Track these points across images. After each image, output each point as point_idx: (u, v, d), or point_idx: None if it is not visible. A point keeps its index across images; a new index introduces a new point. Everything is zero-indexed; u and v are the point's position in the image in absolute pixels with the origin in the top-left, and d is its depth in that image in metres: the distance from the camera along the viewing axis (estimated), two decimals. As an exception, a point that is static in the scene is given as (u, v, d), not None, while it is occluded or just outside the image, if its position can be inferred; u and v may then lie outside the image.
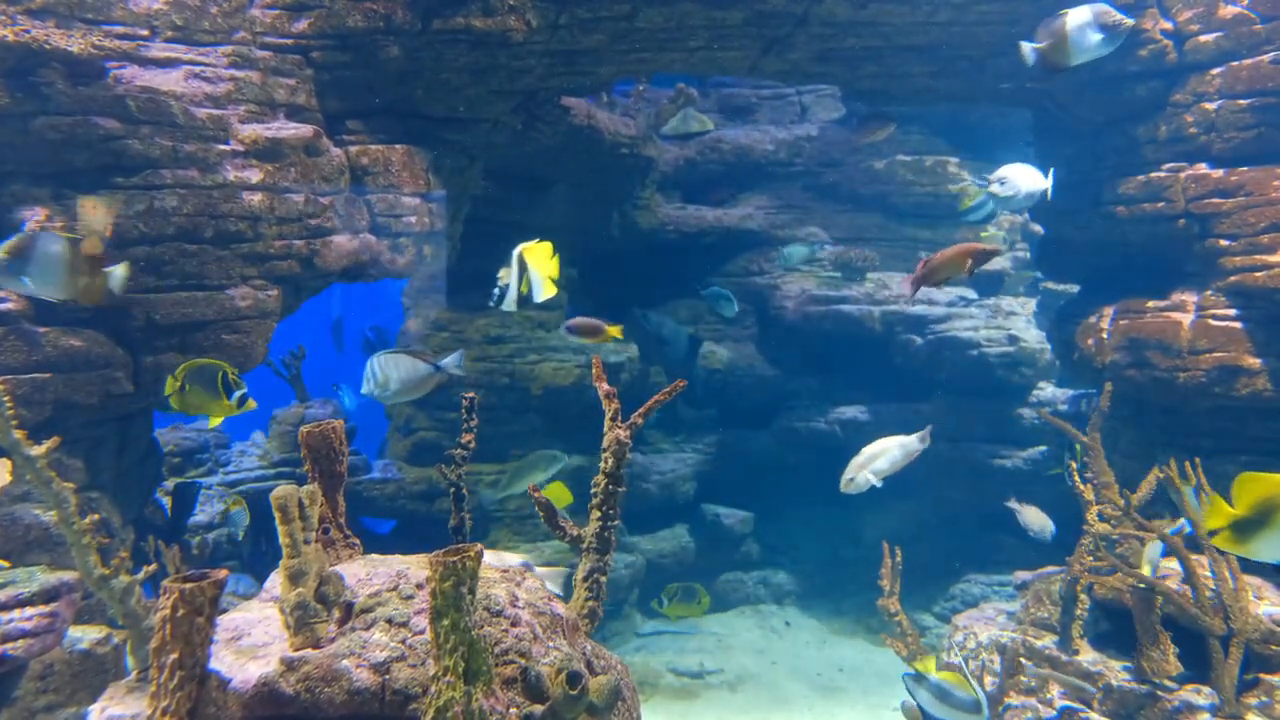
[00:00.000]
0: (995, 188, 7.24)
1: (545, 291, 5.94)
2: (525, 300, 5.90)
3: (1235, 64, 7.20)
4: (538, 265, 5.81)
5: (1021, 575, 8.22)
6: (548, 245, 5.85)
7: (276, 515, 3.22)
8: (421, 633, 3.18)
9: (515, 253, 5.79)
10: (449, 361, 6.79)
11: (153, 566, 4.90)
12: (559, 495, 9.00)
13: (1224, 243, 7.26)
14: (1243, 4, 7.16)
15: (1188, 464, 6.07)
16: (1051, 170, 7.66)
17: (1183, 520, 6.19)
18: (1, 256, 5.31)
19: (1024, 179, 7.22)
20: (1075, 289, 9.90)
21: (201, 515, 9.10)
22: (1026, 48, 6.40)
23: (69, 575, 5.50)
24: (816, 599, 12.24)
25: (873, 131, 10.26)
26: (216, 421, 6.32)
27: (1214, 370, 7.18)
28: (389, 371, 6.63)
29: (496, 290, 5.97)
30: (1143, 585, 5.99)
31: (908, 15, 7.45)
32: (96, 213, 6.07)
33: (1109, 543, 6.49)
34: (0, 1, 5.97)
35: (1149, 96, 7.71)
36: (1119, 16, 6.25)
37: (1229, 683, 5.64)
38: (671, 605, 10.74)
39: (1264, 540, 4.32)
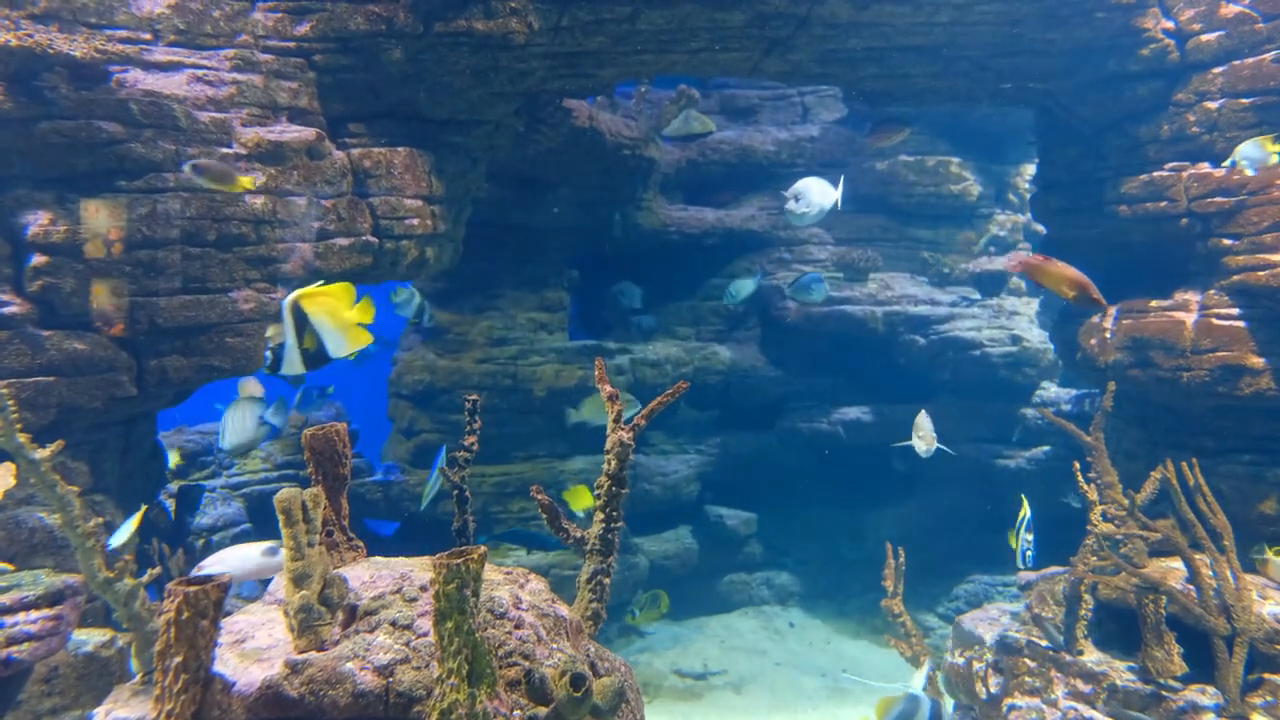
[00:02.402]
0: (791, 204, 7.24)
1: (352, 343, 4.83)
2: (318, 358, 4.77)
3: (1237, 63, 7.20)
4: (328, 315, 4.70)
5: (1025, 575, 8.20)
6: (342, 288, 4.76)
7: (280, 518, 3.22)
8: (425, 635, 3.18)
9: (285, 303, 4.65)
10: (271, 412, 7.55)
11: (157, 569, 4.92)
12: (582, 497, 8.94)
13: (1227, 242, 7.25)
14: (1244, 3, 7.16)
15: (1184, 465, 6.07)
16: (842, 178, 7.66)
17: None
18: None
19: (818, 194, 7.24)
20: (1078, 289, 9.89)
21: (205, 518, 9.11)
22: None
23: (73, 578, 5.51)
24: (820, 600, 12.23)
25: (887, 136, 10.22)
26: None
27: (1217, 369, 7.17)
28: (226, 422, 7.38)
29: (269, 353, 4.85)
30: (1146, 585, 5.98)
31: (909, 16, 7.44)
32: (99, 216, 6.08)
33: (1113, 543, 6.48)
34: (3, 6, 5.99)
35: (1151, 96, 7.71)
36: None
37: (1234, 683, 5.63)
38: (644, 613, 10.70)
39: None
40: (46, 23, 6.14)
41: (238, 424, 7.50)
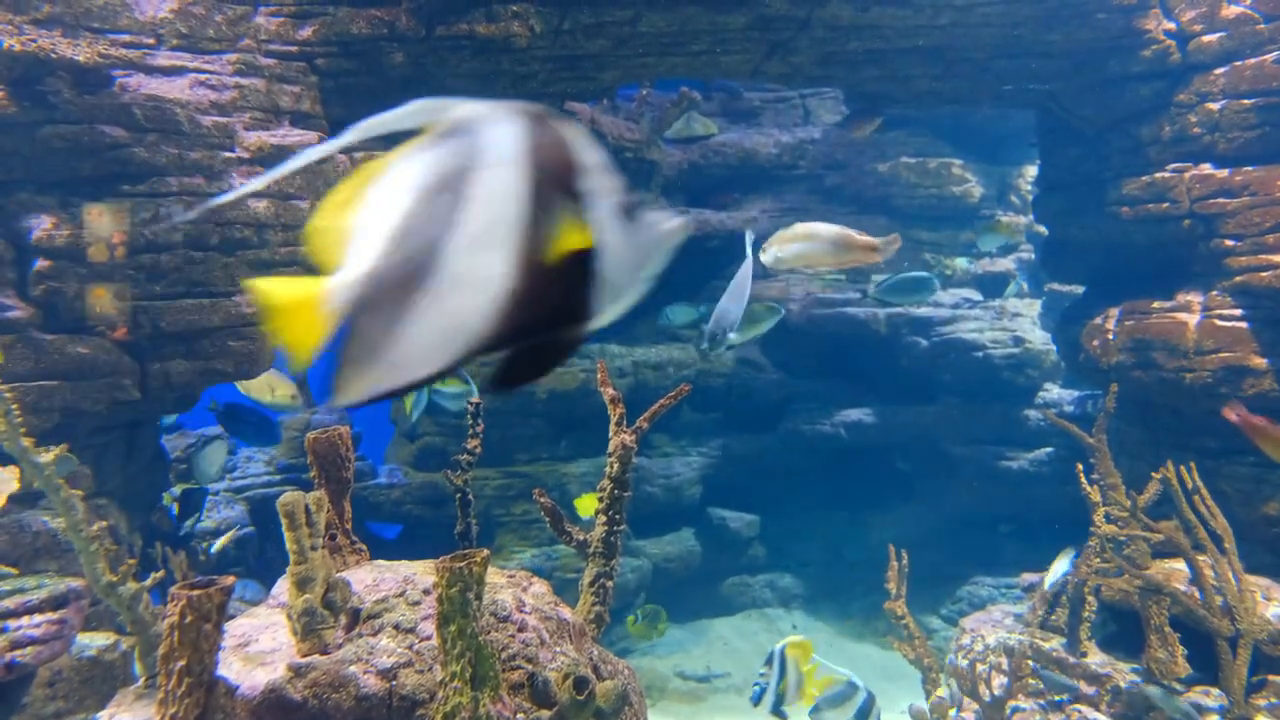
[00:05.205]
0: (733, 336, 7.27)
1: None
2: None
3: (1239, 64, 7.20)
4: None
5: (1029, 577, 8.20)
6: None
7: (283, 521, 3.23)
8: (428, 638, 3.18)
9: None
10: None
11: (160, 573, 4.92)
12: (591, 504, 8.89)
13: (1229, 243, 7.24)
14: (1245, 4, 7.16)
15: (1182, 469, 6.06)
16: (748, 232, 7.75)
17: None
18: None
19: (734, 309, 7.20)
20: (1080, 290, 9.89)
21: (208, 522, 9.12)
22: None
23: (77, 582, 5.52)
24: (823, 602, 12.21)
25: (860, 125, 10.24)
26: None
27: (1220, 371, 7.16)
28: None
29: None
30: (1150, 587, 5.98)
31: (910, 18, 7.45)
32: (102, 221, 6.10)
33: (1116, 544, 6.47)
34: (7, 11, 6.00)
35: (1152, 97, 7.70)
36: None
37: (1238, 684, 5.63)
38: (640, 625, 10.63)
39: None
40: (50, 27, 6.15)
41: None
